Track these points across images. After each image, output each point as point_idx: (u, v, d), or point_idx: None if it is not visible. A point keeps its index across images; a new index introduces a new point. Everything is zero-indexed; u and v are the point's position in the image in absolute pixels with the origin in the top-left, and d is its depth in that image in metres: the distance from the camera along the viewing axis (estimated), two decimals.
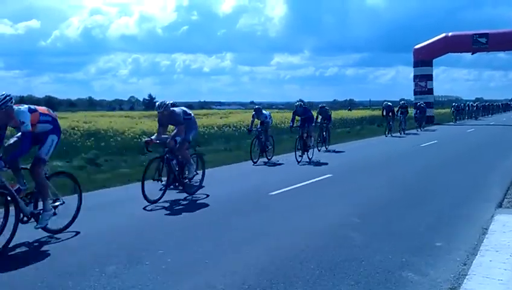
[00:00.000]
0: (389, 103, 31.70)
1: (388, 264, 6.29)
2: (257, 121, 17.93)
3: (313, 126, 18.44)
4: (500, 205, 9.68)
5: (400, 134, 31.18)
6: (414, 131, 34.19)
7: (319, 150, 20.58)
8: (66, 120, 30.49)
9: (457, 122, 48.64)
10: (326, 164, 16.70)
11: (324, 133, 21.53)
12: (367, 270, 6.04)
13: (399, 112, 32.62)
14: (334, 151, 21.04)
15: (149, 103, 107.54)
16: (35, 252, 6.91)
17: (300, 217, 8.98)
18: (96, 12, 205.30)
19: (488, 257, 6.41)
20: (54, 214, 7.90)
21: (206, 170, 12.35)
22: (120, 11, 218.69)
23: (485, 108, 69.06)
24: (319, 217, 8.94)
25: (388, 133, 30.38)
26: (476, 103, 66.19)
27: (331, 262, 6.34)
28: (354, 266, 6.21)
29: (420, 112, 37.14)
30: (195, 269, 6.11)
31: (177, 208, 9.90)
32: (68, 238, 7.55)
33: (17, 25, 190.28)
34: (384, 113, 31.22)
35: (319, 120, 21.06)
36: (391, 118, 30.94)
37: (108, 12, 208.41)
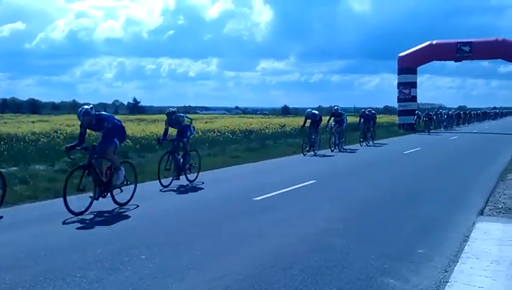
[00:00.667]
0: (313, 111, 23.21)
1: (370, 270, 6.32)
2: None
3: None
4: (481, 213, 9.76)
5: (331, 150, 23.59)
6: (354, 146, 26.38)
7: (304, 155, 20.81)
8: (49, 123, 30.32)
9: (428, 132, 42.28)
10: (310, 169, 16.75)
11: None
12: (349, 277, 6.06)
13: (331, 122, 24.56)
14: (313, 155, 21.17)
15: (133, 107, 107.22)
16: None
17: (284, 222, 8.98)
18: (82, 15, 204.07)
19: (469, 264, 6.47)
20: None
21: (189, 175, 12.28)
22: (106, 15, 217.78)
23: (460, 116, 65.41)
24: (302, 223, 8.95)
25: (309, 150, 21.95)
26: (451, 111, 63.25)
27: (314, 268, 6.36)
28: (336, 272, 6.23)
29: (365, 121, 28.70)
30: (178, 275, 6.09)
31: (161, 213, 9.86)
32: (47, 243, 7.48)
33: (1, 27, 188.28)
34: (307, 124, 22.58)
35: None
36: (313, 130, 22.34)
37: (95, 16, 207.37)
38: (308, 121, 22.05)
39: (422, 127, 44.57)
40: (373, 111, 30.97)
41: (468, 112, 74.74)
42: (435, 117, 50.05)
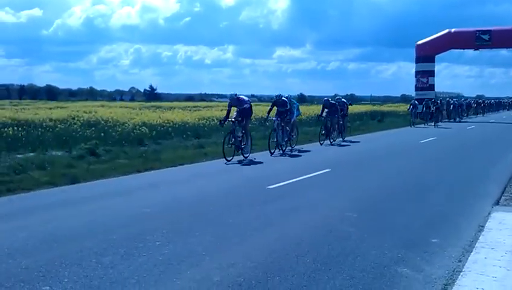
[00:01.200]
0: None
1: (383, 259, 6.31)
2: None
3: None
4: (497, 203, 9.70)
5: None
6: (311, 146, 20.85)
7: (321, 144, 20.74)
8: (66, 110, 30.57)
9: (435, 125, 36.53)
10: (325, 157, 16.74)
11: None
12: (362, 265, 6.07)
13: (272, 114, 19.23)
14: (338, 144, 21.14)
15: (150, 94, 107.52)
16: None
17: (298, 211, 9.00)
18: (98, 2, 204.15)
19: (483, 254, 6.44)
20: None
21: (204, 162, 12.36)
22: (123, 1, 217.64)
23: (471, 106, 55.84)
24: (315, 211, 8.96)
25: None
26: (461, 100, 54.08)
27: (327, 256, 6.37)
28: (350, 260, 6.24)
29: (329, 112, 21.97)
30: (191, 261, 6.13)
31: (176, 199, 9.91)
32: (61, 229, 7.56)
33: (19, 13, 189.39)
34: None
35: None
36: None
37: (111, 2, 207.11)
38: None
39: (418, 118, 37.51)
40: (343, 99, 24.91)
41: (482, 100, 67.75)
42: (443, 106, 42.83)
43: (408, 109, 38.42)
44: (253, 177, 12.73)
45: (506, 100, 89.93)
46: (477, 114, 57.61)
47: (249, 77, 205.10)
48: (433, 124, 36.59)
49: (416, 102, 38.39)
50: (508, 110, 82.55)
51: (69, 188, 10.87)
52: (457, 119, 45.24)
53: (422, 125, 35.74)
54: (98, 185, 11.35)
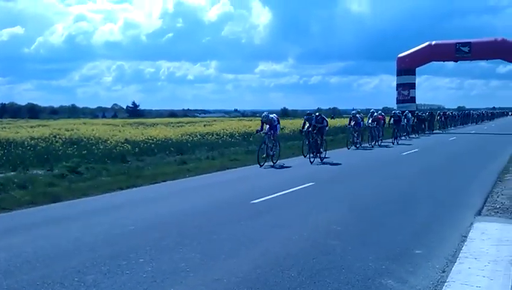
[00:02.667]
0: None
1: (368, 271, 6.32)
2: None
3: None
4: (479, 213, 9.77)
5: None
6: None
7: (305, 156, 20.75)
8: (47, 128, 30.36)
9: (395, 140, 30.73)
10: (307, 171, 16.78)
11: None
12: (347, 278, 6.07)
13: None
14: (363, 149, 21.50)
15: (133, 111, 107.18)
16: None
17: (281, 225, 8.98)
18: (80, 19, 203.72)
19: (467, 264, 6.48)
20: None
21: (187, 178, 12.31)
22: (105, 18, 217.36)
23: (428, 119, 44.93)
24: (301, 225, 8.95)
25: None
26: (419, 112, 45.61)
27: (312, 270, 6.36)
28: (335, 273, 6.24)
29: (271, 127, 19.03)
30: (175, 278, 6.09)
31: (158, 216, 9.84)
32: (45, 246, 7.47)
33: (0, 31, 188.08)
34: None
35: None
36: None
37: (93, 19, 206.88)
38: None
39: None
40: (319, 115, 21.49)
41: (443, 112, 55.11)
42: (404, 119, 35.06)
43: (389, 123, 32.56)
44: (237, 192, 12.70)
45: (474, 112, 79.67)
46: (444, 128, 49.62)
47: (232, 92, 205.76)
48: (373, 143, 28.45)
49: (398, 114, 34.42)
50: (476, 123, 71.42)
51: (51, 207, 10.76)
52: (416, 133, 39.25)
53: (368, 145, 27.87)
54: (80, 203, 11.24)
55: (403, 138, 34.40)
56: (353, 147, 26.07)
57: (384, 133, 31.25)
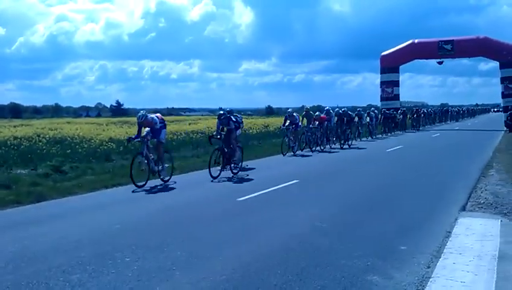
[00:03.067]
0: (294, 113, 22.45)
1: (353, 268, 6.35)
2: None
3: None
4: (463, 209, 9.85)
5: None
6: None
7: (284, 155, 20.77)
8: (31, 127, 30.11)
9: (341, 146, 25.77)
10: (293, 169, 16.79)
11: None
12: (333, 275, 6.09)
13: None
14: (301, 156, 21.16)
15: (116, 110, 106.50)
16: None
17: (268, 222, 8.99)
18: (62, 19, 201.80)
19: (452, 260, 6.53)
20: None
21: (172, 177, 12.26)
22: (86, 18, 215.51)
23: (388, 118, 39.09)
24: (285, 223, 8.97)
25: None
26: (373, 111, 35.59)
27: (298, 267, 6.37)
28: (320, 270, 6.26)
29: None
30: (161, 277, 6.07)
31: (145, 215, 9.81)
32: (31, 246, 7.41)
33: None
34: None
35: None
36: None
37: (75, 19, 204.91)
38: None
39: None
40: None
41: (416, 110, 49.78)
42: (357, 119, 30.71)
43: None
44: (223, 190, 12.69)
45: (453, 108, 75.53)
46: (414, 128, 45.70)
47: (216, 91, 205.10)
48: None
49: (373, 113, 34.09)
50: (456, 120, 67.16)
51: (35, 207, 10.67)
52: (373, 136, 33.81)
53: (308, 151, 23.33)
54: (65, 202, 11.16)
55: (364, 139, 31.23)
56: (290, 153, 21.64)
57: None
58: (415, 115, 47.68)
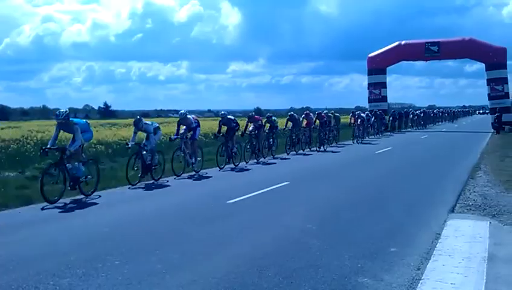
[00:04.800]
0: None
1: (344, 270, 6.37)
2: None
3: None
4: (452, 210, 9.91)
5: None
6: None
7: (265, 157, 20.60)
8: (19, 130, 29.89)
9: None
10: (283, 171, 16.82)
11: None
12: (324, 277, 6.10)
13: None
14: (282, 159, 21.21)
15: (105, 111, 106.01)
16: None
17: (258, 224, 9.00)
18: (48, 19, 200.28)
19: (441, 262, 6.57)
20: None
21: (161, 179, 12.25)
22: (73, 19, 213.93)
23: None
24: (276, 225, 8.98)
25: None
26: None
27: (289, 269, 6.38)
28: (311, 272, 6.27)
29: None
30: (152, 280, 6.05)
31: (135, 218, 9.78)
32: (20, 251, 7.36)
33: None
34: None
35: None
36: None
37: (61, 20, 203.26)
38: (224, 127, 18.90)
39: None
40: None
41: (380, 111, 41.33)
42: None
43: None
44: (213, 192, 12.67)
45: (438, 109, 72.07)
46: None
47: (204, 92, 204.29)
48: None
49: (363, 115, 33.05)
50: (435, 123, 59.49)
51: (24, 210, 10.59)
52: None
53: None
54: (53, 205, 11.08)
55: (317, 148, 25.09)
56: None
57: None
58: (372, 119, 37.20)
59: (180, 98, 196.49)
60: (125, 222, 9.35)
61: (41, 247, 7.60)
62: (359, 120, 31.83)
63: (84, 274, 6.25)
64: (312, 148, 24.85)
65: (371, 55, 48.13)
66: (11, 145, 21.25)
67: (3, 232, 8.63)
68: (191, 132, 16.27)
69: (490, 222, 8.78)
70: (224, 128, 18.54)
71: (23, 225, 9.11)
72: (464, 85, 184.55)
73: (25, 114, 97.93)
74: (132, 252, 7.17)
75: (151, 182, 14.03)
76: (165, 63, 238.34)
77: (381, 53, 47.52)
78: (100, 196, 11.87)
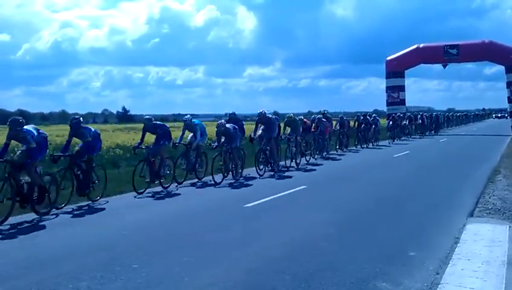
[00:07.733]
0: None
1: (362, 273, 6.34)
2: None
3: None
4: (471, 214, 9.82)
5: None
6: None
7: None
8: None
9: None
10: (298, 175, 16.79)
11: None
12: (342, 280, 6.08)
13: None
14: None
15: (123, 116, 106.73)
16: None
17: (275, 228, 9.00)
18: (66, 25, 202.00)
19: (460, 266, 6.51)
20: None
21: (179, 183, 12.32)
22: (90, 24, 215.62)
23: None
24: (294, 228, 8.97)
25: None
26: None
27: (306, 272, 6.37)
28: (329, 276, 6.25)
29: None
30: (170, 283, 6.08)
31: (151, 222, 9.83)
32: (39, 253, 7.43)
33: None
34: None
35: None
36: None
37: (79, 26, 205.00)
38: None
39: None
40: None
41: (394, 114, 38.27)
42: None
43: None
44: (229, 196, 12.70)
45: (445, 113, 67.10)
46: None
47: (221, 97, 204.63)
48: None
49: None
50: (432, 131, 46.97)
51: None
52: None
53: None
54: (73, 209, 11.18)
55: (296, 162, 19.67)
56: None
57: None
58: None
59: (197, 102, 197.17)
60: (141, 227, 9.39)
61: (58, 250, 7.67)
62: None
63: (102, 277, 6.29)
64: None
65: (389, 58, 47.89)
66: None
67: (23, 235, 8.73)
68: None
69: (510, 226, 8.68)
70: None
71: (41, 229, 9.21)
72: (483, 88, 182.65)
73: (44, 119, 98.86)
74: (150, 255, 7.21)
75: (175, 185, 14.12)
76: (182, 68, 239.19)
77: (400, 56, 47.26)
78: (108, 202, 11.97)
